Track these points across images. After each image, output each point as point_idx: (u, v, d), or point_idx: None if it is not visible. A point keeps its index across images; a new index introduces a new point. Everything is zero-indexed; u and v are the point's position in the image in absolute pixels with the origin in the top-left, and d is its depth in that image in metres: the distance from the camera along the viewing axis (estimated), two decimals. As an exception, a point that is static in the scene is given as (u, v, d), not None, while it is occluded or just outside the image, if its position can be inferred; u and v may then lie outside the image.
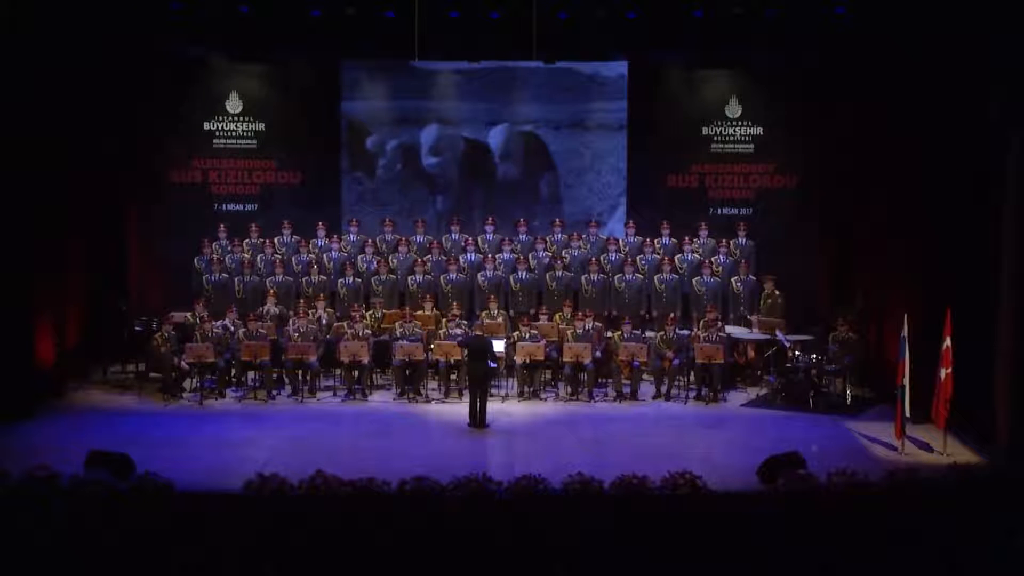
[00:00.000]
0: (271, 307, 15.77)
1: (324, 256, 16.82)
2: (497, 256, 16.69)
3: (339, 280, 16.47)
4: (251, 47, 17.22)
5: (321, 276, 16.49)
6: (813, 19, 16.17)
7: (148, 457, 11.49)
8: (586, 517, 10.57)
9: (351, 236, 17.23)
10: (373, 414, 14.44)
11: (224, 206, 17.80)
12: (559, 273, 16.40)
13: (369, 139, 17.91)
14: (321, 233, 17.09)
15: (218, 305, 15.94)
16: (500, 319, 15.64)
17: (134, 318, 15.99)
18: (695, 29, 16.52)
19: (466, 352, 14.26)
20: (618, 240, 17.02)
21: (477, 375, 13.81)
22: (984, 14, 12.68)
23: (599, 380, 15.20)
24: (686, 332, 15.50)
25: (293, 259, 16.79)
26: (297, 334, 15.04)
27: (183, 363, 14.81)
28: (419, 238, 17.17)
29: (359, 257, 16.79)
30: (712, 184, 17.85)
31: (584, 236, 17.19)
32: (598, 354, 14.98)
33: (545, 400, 15.00)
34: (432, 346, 14.92)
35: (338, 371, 15.27)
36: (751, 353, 15.83)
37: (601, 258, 16.68)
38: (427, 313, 15.71)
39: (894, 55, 14.56)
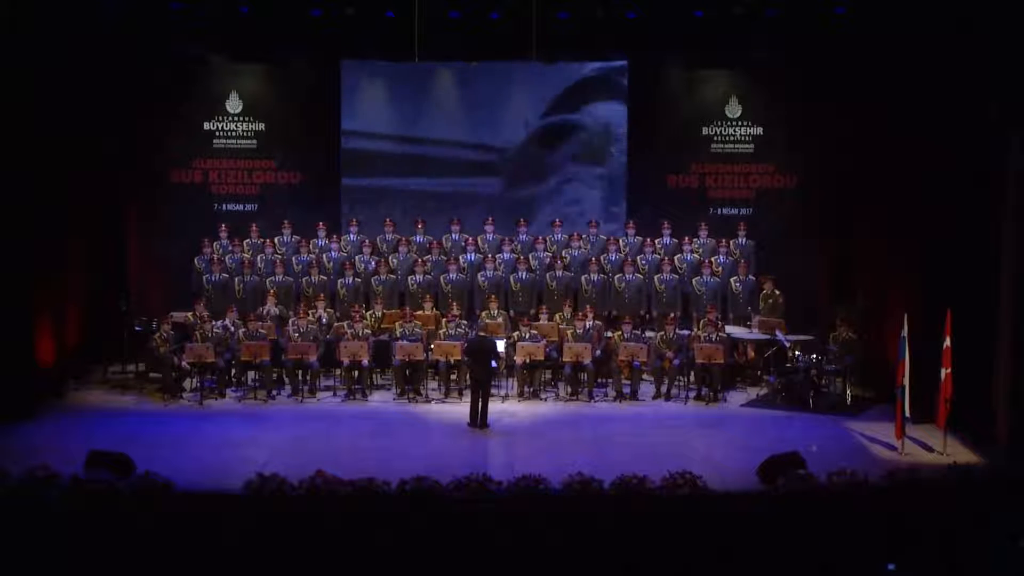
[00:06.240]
0: (271, 307, 15.77)
1: (324, 256, 16.82)
2: (497, 256, 16.68)
3: (339, 280, 16.46)
4: (251, 47, 17.25)
5: (321, 276, 16.48)
6: (813, 19, 16.19)
7: (148, 457, 11.49)
8: (586, 517, 10.58)
9: (351, 236, 17.22)
10: (373, 414, 14.43)
11: (224, 206, 17.79)
12: (559, 273, 16.38)
13: (369, 139, 17.89)
14: (321, 233, 17.08)
15: (218, 305, 15.94)
16: (500, 319, 15.63)
17: (134, 318, 15.98)
18: (695, 29, 16.57)
19: (467, 354, 14.24)
20: (618, 240, 17.02)
21: (480, 376, 13.81)
22: (984, 14, 12.69)
23: (599, 380, 15.19)
24: (686, 332, 15.49)
25: (293, 259, 16.78)
26: (297, 334, 15.04)
27: (183, 363, 14.81)
28: (419, 238, 17.16)
29: (359, 257, 16.79)
30: (712, 184, 17.85)
31: (584, 236, 17.18)
32: (598, 353, 14.98)
33: (545, 400, 15.00)
34: (432, 346, 14.91)
35: (338, 371, 15.27)
36: (751, 353, 15.82)
37: (601, 258, 16.67)
38: (427, 313, 15.70)
39: (894, 55, 14.55)
